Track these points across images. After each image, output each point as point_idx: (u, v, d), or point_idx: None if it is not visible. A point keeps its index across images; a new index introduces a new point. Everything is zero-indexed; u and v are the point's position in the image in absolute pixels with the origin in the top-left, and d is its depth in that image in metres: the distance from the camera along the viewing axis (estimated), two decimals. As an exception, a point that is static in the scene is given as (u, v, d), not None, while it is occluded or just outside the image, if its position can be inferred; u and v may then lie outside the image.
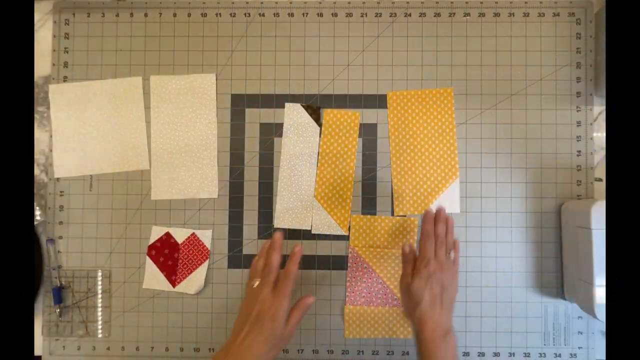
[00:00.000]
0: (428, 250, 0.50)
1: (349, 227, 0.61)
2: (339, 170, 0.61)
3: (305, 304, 0.48)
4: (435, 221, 0.53)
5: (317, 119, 0.62)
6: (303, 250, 0.51)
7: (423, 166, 0.61)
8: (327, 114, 0.62)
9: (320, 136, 0.62)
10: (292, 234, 0.62)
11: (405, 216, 0.61)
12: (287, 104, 0.62)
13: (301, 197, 0.62)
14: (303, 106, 0.62)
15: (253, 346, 0.44)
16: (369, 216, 0.62)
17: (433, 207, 0.56)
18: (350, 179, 0.61)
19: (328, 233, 0.61)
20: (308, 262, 0.62)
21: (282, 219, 0.62)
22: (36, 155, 0.63)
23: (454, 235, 0.54)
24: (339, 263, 0.62)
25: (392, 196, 0.62)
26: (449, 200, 0.61)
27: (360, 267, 0.61)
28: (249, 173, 0.62)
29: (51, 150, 0.63)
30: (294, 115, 0.62)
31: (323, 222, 0.61)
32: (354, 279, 0.61)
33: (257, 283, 0.48)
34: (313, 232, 0.61)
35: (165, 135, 0.63)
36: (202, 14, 0.63)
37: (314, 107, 0.62)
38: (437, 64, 0.62)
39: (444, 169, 0.61)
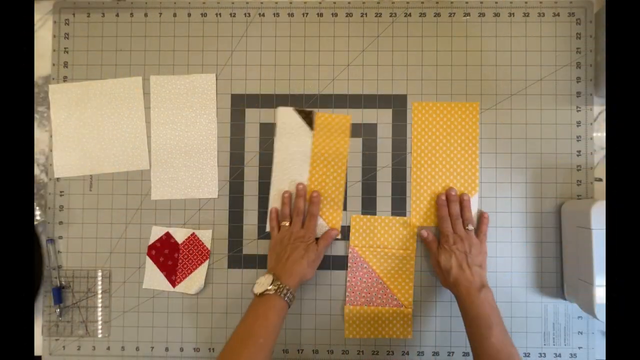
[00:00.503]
0: (446, 229, 0.58)
1: (350, 226, 0.61)
2: (330, 173, 0.62)
3: (330, 234, 0.60)
4: (448, 202, 0.60)
5: (310, 123, 0.62)
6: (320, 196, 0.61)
7: (443, 179, 0.61)
8: (319, 117, 0.62)
9: (312, 139, 0.62)
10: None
11: (405, 216, 0.61)
12: (279, 108, 0.62)
13: (294, 200, 0.61)
14: (295, 110, 0.62)
15: (296, 261, 0.55)
16: (369, 216, 0.62)
17: (443, 195, 0.60)
18: (342, 182, 0.62)
19: (320, 235, 0.61)
20: (308, 262, 0.62)
21: None
22: (36, 155, 0.63)
23: (471, 211, 0.60)
24: (339, 263, 0.62)
25: (391, 197, 0.62)
26: None
27: (360, 267, 0.61)
28: (249, 173, 0.62)
29: (51, 150, 0.63)
30: (287, 119, 0.62)
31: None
32: (354, 279, 0.61)
33: (287, 223, 0.59)
34: None
35: (165, 135, 0.63)
36: (202, 14, 0.63)
37: (307, 110, 0.62)
38: (437, 64, 0.62)
39: (463, 182, 0.61)
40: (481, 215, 0.60)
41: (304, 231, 0.58)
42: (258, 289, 0.52)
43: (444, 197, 0.60)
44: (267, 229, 0.62)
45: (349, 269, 0.61)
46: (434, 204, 0.61)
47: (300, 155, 0.62)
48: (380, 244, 0.61)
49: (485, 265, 0.58)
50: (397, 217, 0.61)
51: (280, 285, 0.52)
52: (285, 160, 0.62)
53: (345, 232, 0.62)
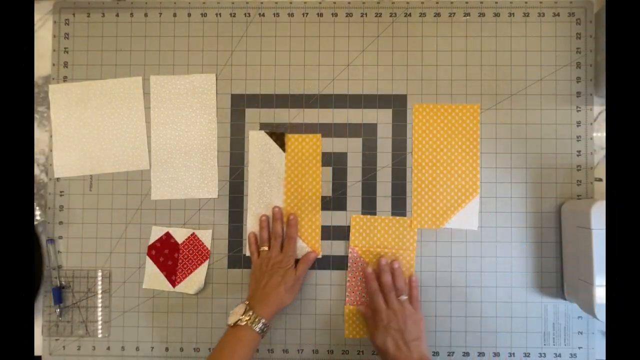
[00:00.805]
0: (378, 305, 0.56)
1: (349, 226, 0.61)
2: (305, 194, 0.62)
3: (309, 257, 0.59)
4: (379, 272, 0.58)
5: (282, 145, 0.62)
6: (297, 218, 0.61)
7: (444, 181, 0.61)
8: (289, 139, 0.62)
9: (285, 161, 0.62)
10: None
11: (405, 216, 0.61)
12: (250, 132, 0.62)
13: (271, 224, 0.61)
14: (267, 133, 0.62)
15: (274, 288, 0.55)
16: (368, 216, 0.62)
17: (369, 267, 0.59)
18: (318, 202, 0.62)
19: (300, 257, 0.61)
20: (308, 262, 0.62)
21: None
22: (36, 155, 0.63)
23: (402, 278, 0.58)
24: (339, 263, 0.62)
25: (391, 197, 0.62)
26: (467, 216, 0.61)
27: (360, 268, 0.61)
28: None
29: (51, 150, 0.63)
30: (259, 143, 0.62)
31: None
32: (354, 279, 0.61)
33: (266, 248, 0.59)
34: None
35: (165, 135, 0.63)
36: (202, 14, 0.63)
37: (278, 133, 0.62)
38: (437, 64, 0.62)
39: (464, 184, 0.61)
40: (409, 281, 0.58)
41: (282, 255, 0.58)
42: (231, 319, 0.52)
43: (370, 270, 0.58)
44: (247, 253, 0.62)
45: (349, 269, 0.61)
46: (435, 206, 0.61)
47: (275, 177, 0.62)
48: (380, 244, 0.61)
49: (424, 333, 0.55)
50: (397, 217, 0.61)
51: (252, 316, 0.52)
52: (260, 184, 0.62)
53: (345, 232, 0.62)
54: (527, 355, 0.61)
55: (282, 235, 0.60)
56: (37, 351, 0.61)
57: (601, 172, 0.61)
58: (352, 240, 0.61)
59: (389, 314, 0.54)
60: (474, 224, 0.61)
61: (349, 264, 0.61)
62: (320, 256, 0.62)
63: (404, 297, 0.56)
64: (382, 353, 0.54)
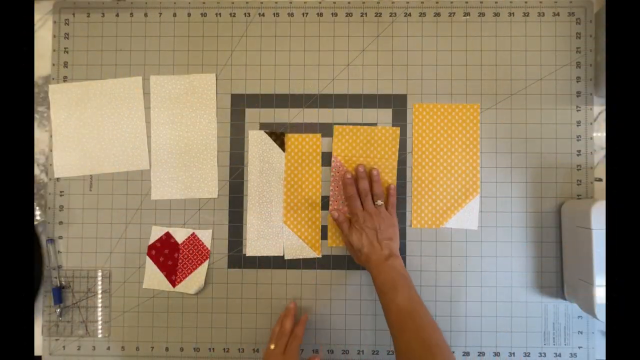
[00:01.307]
0: (355, 208, 0.58)
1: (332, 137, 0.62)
2: (305, 194, 0.62)
3: None
4: (357, 179, 0.60)
5: (282, 145, 0.62)
6: (308, 317, 0.61)
7: (444, 180, 0.61)
8: (289, 139, 0.62)
9: (284, 161, 0.62)
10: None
11: (405, 215, 0.61)
12: (250, 132, 0.62)
13: (271, 224, 0.62)
14: (267, 133, 0.62)
15: None
16: (351, 126, 0.62)
17: (349, 174, 0.60)
18: (318, 201, 0.62)
19: (301, 257, 0.61)
20: (308, 262, 0.62)
21: (254, 247, 0.62)
22: (36, 155, 0.63)
23: (380, 185, 0.59)
24: (339, 263, 0.62)
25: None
26: (467, 216, 0.61)
27: (342, 176, 0.61)
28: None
29: (51, 150, 0.63)
30: (259, 143, 0.62)
31: (295, 246, 0.62)
32: (337, 188, 0.61)
33: (273, 346, 0.56)
34: (286, 257, 0.62)
35: (165, 135, 0.63)
36: (202, 14, 0.63)
37: (277, 133, 0.62)
38: (437, 64, 0.62)
39: (465, 184, 0.61)
40: (388, 188, 0.60)
41: (282, 356, 0.54)
42: None
43: (349, 176, 0.59)
44: (247, 253, 0.62)
45: (332, 178, 0.61)
46: (435, 206, 0.61)
47: (275, 177, 0.62)
48: (363, 153, 0.61)
49: (397, 236, 0.58)
50: (380, 127, 0.62)
51: None
52: (260, 184, 0.62)
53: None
54: (527, 355, 0.61)
55: (289, 335, 0.57)
56: (37, 351, 0.62)
57: (601, 172, 0.61)
58: (335, 150, 0.62)
59: (365, 215, 0.57)
60: (474, 223, 0.61)
61: (332, 173, 0.62)
62: (320, 256, 0.62)
63: (380, 202, 0.58)
64: (357, 251, 0.57)
